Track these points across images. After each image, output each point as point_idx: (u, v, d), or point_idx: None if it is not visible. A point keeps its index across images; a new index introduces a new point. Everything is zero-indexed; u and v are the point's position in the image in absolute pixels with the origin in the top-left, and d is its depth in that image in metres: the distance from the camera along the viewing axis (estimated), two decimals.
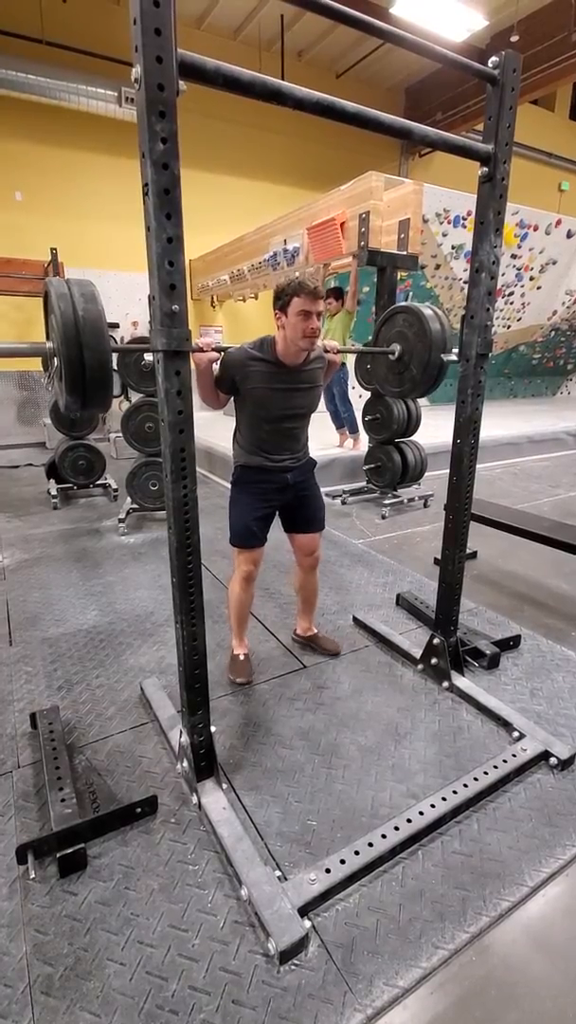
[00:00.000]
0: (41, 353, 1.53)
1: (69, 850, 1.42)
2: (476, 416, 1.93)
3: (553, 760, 1.79)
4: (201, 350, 1.87)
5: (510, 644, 2.50)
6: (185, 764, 1.69)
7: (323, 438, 6.00)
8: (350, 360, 5.42)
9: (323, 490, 5.03)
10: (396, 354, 2.30)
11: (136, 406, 3.86)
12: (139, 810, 1.59)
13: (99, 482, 5.00)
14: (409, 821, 1.53)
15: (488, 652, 2.34)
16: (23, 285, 6.96)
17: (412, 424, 4.55)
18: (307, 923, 1.29)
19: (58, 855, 1.41)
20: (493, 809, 1.64)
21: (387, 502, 4.54)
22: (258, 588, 3.07)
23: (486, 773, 1.71)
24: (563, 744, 1.83)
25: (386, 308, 4.58)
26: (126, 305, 7.94)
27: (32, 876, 1.40)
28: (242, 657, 2.33)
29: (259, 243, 6.15)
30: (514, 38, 6.76)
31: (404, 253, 4.62)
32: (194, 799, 1.64)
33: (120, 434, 4.19)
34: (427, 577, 3.28)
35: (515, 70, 1.60)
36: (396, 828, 1.51)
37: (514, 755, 1.79)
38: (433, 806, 1.58)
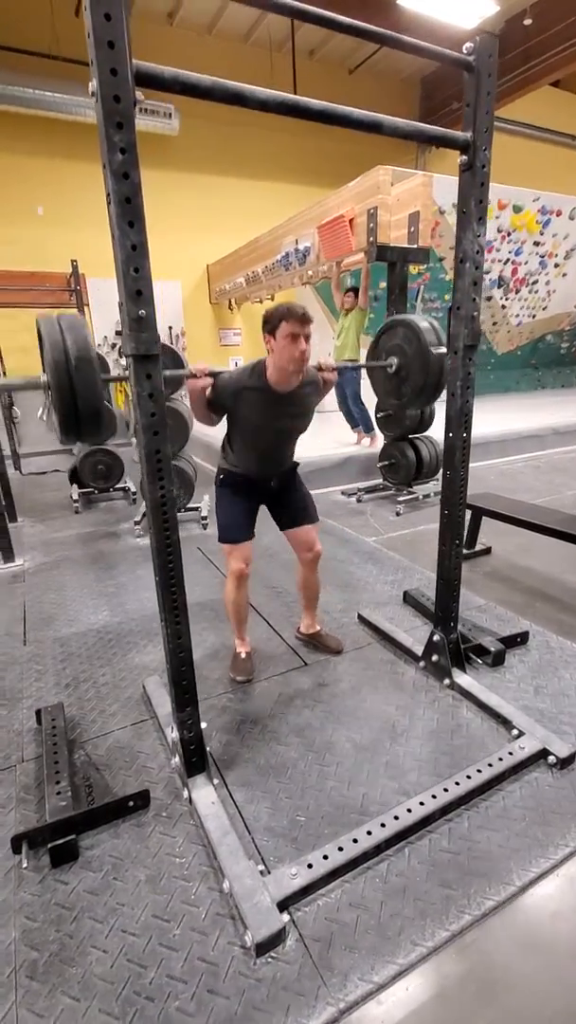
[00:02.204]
0: (36, 386, 1.57)
1: (60, 841, 1.47)
2: (467, 409, 1.89)
3: (552, 758, 1.75)
4: (195, 376, 1.92)
5: (517, 641, 2.44)
6: (177, 759, 1.72)
7: (340, 436, 5.99)
8: (362, 359, 5.39)
9: (339, 488, 5.05)
10: (394, 368, 2.30)
11: None
12: (131, 803, 1.63)
13: (118, 486, 5.13)
14: (396, 818, 1.52)
15: (492, 649, 2.30)
16: (47, 297, 7.20)
17: (426, 419, 4.50)
18: (285, 917, 1.30)
19: (49, 845, 1.46)
20: (486, 807, 1.61)
21: (401, 499, 4.50)
22: (264, 586, 3.11)
23: (479, 771, 1.68)
24: (563, 742, 1.78)
25: (397, 303, 4.56)
26: None
27: (25, 865, 1.45)
28: (243, 655, 2.35)
29: (272, 244, 6.18)
30: (527, 21, 6.58)
31: (415, 247, 4.57)
32: (185, 794, 1.67)
33: None
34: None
35: (491, 55, 1.57)
36: (382, 825, 1.50)
37: (510, 753, 1.75)
38: (422, 803, 1.57)
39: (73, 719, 2.08)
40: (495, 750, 1.80)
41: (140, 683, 2.27)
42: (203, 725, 1.71)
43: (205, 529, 4.16)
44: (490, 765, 1.70)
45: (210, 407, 2.02)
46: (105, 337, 7.88)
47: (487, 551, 3.56)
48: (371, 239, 4.49)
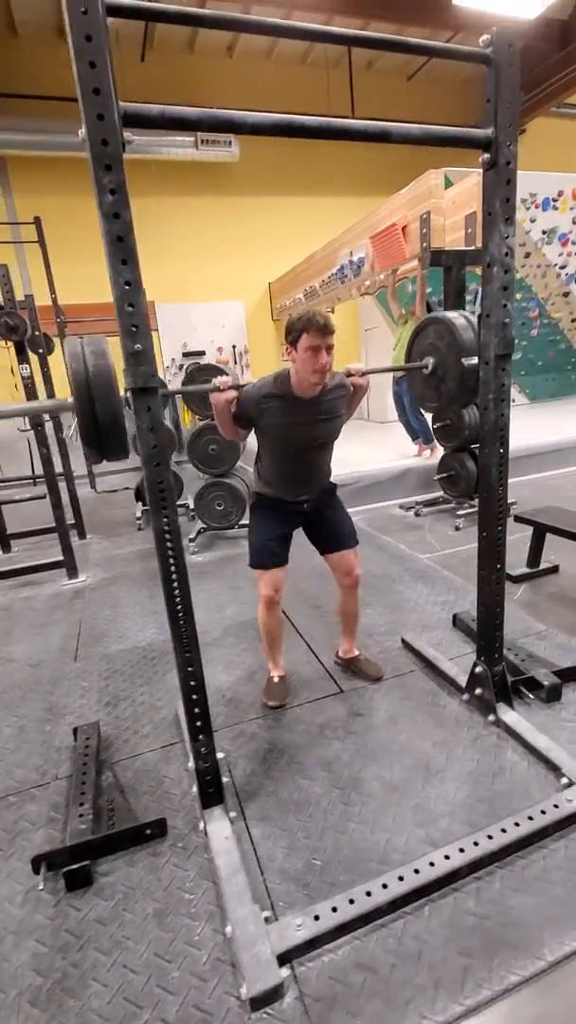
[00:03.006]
0: (65, 408, 1.63)
1: (75, 866, 1.49)
2: (502, 423, 1.75)
3: None
4: (219, 389, 1.93)
5: None
6: (195, 789, 1.70)
7: (400, 447, 5.82)
8: None
9: (397, 502, 4.88)
10: (429, 368, 2.19)
11: (199, 430, 4.03)
12: (149, 831, 1.63)
13: (179, 503, 5.28)
14: (417, 872, 1.40)
15: (546, 683, 2.09)
16: None
17: None
18: (285, 972, 1.23)
19: (63, 871, 1.49)
20: (522, 867, 1.45)
21: (461, 512, 4.26)
22: (309, 605, 3.06)
23: (517, 824, 1.51)
24: None
25: (455, 308, 4.37)
26: (211, 332, 8.38)
27: (41, 888, 1.49)
28: (276, 680, 2.31)
29: (329, 258, 6.18)
30: None
31: (472, 248, 4.37)
32: (201, 825, 1.64)
33: None
34: None
35: (511, 45, 1.45)
36: (400, 879, 1.39)
37: (556, 805, 1.56)
38: (448, 857, 1.43)
39: (108, 738, 2.13)
40: (540, 800, 1.62)
41: (174, 705, 2.29)
42: (220, 755, 1.68)
43: None
44: (530, 818, 1.53)
45: (236, 420, 2.01)
46: (173, 359, 8.24)
47: (554, 570, 3.27)
48: (424, 244, 4.34)
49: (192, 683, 1.57)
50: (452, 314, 2.08)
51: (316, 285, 6.55)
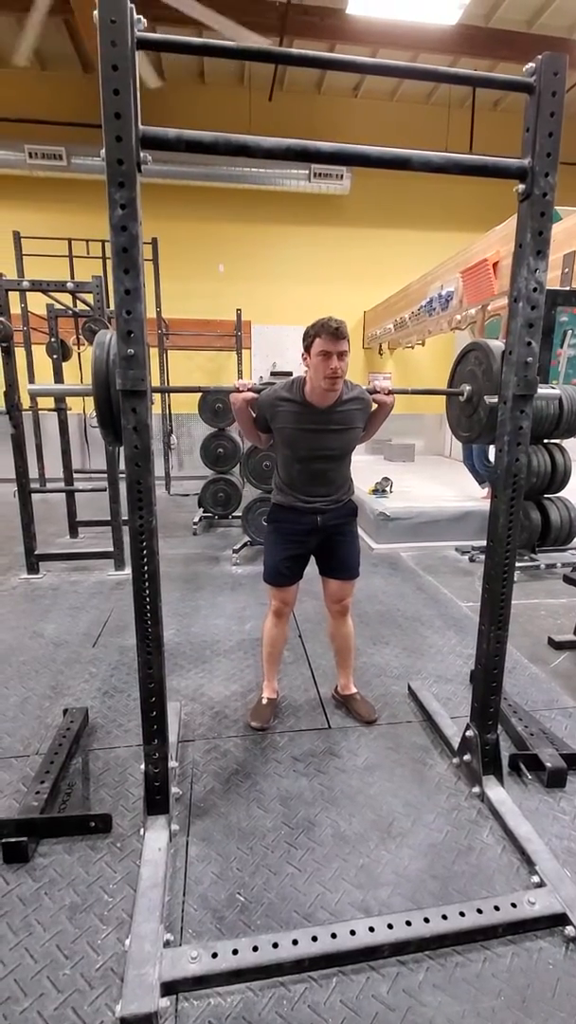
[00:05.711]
0: (89, 393, 1.72)
1: (12, 840, 1.54)
2: (517, 469, 1.61)
3: (570, 930, 1.33)
4: (238, 391, 1.96)
5: None
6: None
7: (468, 488, 5.55)
8: None
9: (454, 544, 4.64)
10: (465, 395, 2.07)
11: (255, 446, 4.10)
12: (92, 824, 1.65)
13: (236, 514, 5.40)
14: (333, 936, 1.29)
15: (550, 764, 1.86)
16: (217, 341, 8.10)
17: (558, 477, 3.93)
18: (165, 1002, 1.18)
19: (1, 841, 1.54)
20: (455, 964, 1.29)
21: (519, 565, 3.95)
22: (326, 634, 2.97)
23: (463, 914, 1.35)
24: None
25: (540, 349, 4.13)
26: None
27: None
28: (265, 701, 2.26)
29: (421, 290, 6.11)
30: None
31: (567, 289, 4.13)
32: (142, 831, 1.63)
33: None
34: (527, 657, 2.76)
35: (556, 73, 1.37)
36: (314, 939, 1.29)
37: (515, 904, 1.38)
38: (372, 929, 1.31)
39: (94, 726, 2.19)
40: (502, 893, 1.43)
41: None
42: (173, 764, 1.67)
43: None
44: (480, 911, 1.36)
45: (256, 424, 2.03)
46: (260, 377, 8.50)
47: None
48: None
49: (151, 685, 1.58)
50: (493, 342, 1.95)
51: (406, 316, 6.49)
